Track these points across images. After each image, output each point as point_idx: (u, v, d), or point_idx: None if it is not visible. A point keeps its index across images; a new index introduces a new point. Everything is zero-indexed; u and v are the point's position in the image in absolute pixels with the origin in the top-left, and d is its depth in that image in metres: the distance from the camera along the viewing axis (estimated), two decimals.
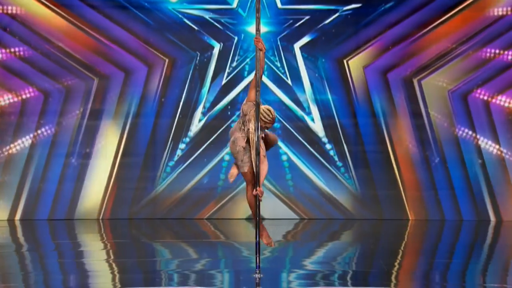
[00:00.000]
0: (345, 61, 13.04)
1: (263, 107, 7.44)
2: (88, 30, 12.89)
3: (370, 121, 13.01)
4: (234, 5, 13.04)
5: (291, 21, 13.07)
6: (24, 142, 12.93)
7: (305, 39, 13.06)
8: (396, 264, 8.82)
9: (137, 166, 13.06)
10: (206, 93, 13.03)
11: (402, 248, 10.37)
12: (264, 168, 7.42)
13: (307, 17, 13.05)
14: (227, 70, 13.09)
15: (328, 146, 13.10)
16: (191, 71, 13.04)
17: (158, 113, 13.03)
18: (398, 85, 12.98)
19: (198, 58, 13.04)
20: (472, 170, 12.92)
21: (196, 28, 12.96)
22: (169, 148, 13.07)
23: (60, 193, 13.01)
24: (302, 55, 13.10)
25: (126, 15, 12.91)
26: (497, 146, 12.90)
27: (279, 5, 13.05)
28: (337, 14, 12.95)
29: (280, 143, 13.02)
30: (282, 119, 13.02)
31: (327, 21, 12.98)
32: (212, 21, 13.01)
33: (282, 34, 13.08)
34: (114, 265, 8.77)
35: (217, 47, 13.05)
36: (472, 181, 12.93)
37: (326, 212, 13.13)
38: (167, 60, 13.02)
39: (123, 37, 12.95)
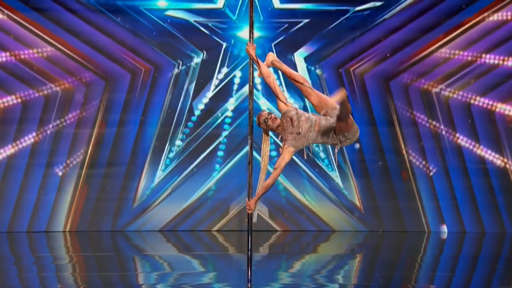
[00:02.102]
0: (344, 68, 12.75)
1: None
2: (69, 36, 12.52)
3: (369, 129, 12.73)
4: (220, 5, 12.65)
5: (286, 25, 12.73)
6: (3, 152, 12.53)
7: (302, 45, 12.74)
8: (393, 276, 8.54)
9: (120, 176, 12.69)
10: (189, 101, 12.71)
11: (400, 260, 10.17)
12: (267, 181, 7.10)
13: (306, 21, 12.70)
14: (215, 77, 12.72)
15: (322, 155, 12.78)
16: (172, 79, 12.68)
17: (141, 121, 12.69)
18: (399, 93, 12.71)
19: (182, 65, 12.70)
20: (475, 180, 12.63)
21: (180, 34, 12.63)
22: (153, 157, 12.73)
23: (39, 205, 12.59)
24: (299, 62, 12.75)
25: (108, 20, 12.54)
26: (501, 157, 12.63)
27: (276, 4, 12.65)
28: (343, 18, 12.61)
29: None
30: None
31: (329, 26, 12.66)
32: (198, 25, 12.65)
33: (277, 40, 12.74)
34: (96, 279, 8.48)
35: (203, 54, 12.69)
36: (476, 191, 12.66)
37: (317, 224, 12.86)
38: (152, 68, 12.69)
39: (105, 43, 12.59)
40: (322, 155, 12.78)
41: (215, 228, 12.84)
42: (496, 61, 12.60)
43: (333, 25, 12.65)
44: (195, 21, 12.67)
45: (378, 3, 12.59)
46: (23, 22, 12.43)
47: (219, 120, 12.80)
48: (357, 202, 12.76)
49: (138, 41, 12.61)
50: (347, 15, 12.64)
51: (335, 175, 12.79)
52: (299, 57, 12.75)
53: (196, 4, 12.64)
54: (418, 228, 12.68)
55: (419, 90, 12.69)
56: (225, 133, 12.76)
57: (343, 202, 12.78)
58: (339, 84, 12.71)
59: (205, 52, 12.76)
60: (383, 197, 12.72)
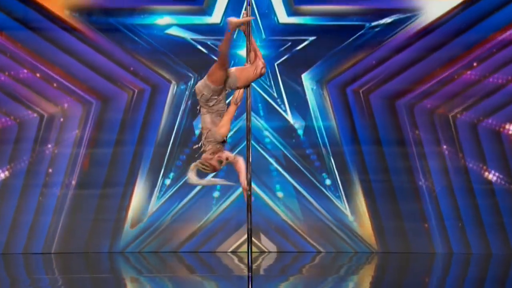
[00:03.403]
0: (350, 88, 12.70)
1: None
2: (67, 55, 12.47)
3: (374, 149, 12.66)
4: (217, 19, 12.58)
5: (289, 43, 12.65)
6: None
7: (307, 65, 12.68)
8: None
9: (117, 197, 12.60)
10: (185, 120, 12.67)
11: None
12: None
13: (311, 38, 12.62)
14: None
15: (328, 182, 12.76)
16: (170, 99, 12.65)
17: (139, 141, 12.64)
18: (404, 112, 12.64)
19: (181, 84, 12.66)
20: (482, 201, 12.53)
21: (178, 53, 12.61)
22: (151, 177, 12.67)
23: (36, 225, 12.49)
24: (303, 82, 12.70)
25: (105, 40, 12.49)
26: (506, 178, 12.54)
27: (282, 19, 12.57)
28: (352, 39, 12.55)
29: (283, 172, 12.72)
30: (281, 147, 12.72)
31: (336, 45, 12.59)
32: (196, 43, 12.60)
33: (281, 59, 12.68)
34: None
35: (201, 73, 12.59)
36: (482, 212, 12.56)
37: (318, 245, 12.80)
38: (149, 88, 12.65)
39: (102, 63, 12.54)
40: (328, 182, 12.73)
41: (218, 249, 12.76)
42: (502, 81, 12.52)
43: (342, 44, 12.58)
44: (192, 39, 12.63)
45: (389, 20, 12.52)
46: (18, 41, 12.38)
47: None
48: (362, 223, 12.69)
49: (135, 61, 12.56)
50: (356, 35, 12.56)
51: (341, 202, 12.73)
52: (303, 76, 12.71)
53: (192, 18, 12.61)
54: (424, 249, 12.58)
55: (425, 110, 12.63)
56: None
57: (347, 223, 12.71)
58: (343, 104, 12.66)
59: (203, 72, 12.71)
60: (388, 217, 12.67)
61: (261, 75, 7.40)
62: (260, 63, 7.40)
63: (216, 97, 7.20)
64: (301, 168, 12.70)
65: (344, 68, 12.63)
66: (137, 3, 12.52)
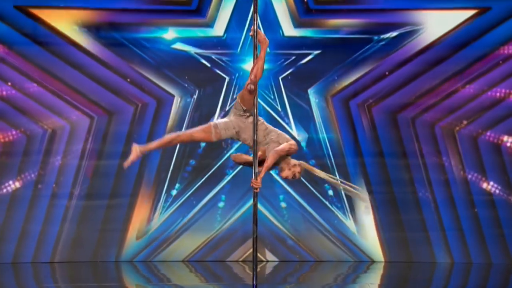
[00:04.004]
0: (354, 102, 12.76)
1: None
2: (75, 70, 12.55)
3: (376, 160, 12.71)
4: (220, 32, 12.67)
5: (294, 57, 12.71)
6: (8, 185, 12.51)
7: (312, 79, 12.75)
8: None
9: (124, 207, 12.67)
10: None
11: None
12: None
13: (316, 52, 12.71)
14: (218, 108, 12.70)
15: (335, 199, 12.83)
16: (175, 111, 12.72)
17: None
18: (406, 125, 12.71)
19: (182, 99, 12.71)
20: (482, 212, 12.59)
21: (183, 67, 12.66)
22: (159, 189, 12.73)
23: (44, 235, 12.53)
24: (306, 96, 12.79)
25: (110, 54, 12.58)
26: (504, 189, 12.60)
27: (287, 31, 12.63)
28: (357, 54, 12.62)
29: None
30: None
31: (342, 58, 12.65)
32: (201, 57, 12.67)
33: (285, 73, 12.75)
34: None
35: (206, 87, 12.73)
36: (482, 222, 12.62)
37: (320, 254, 12.82)
38: (155, 101, 12.72)
39: (109, 77, 12.63)
40: (330, 193, 12.77)
41: (229, 258, 12.79)
42: (501, 94, 12.60)
43: (347, 58, 12.63)
44: (196, 53, 12.69)
45: (395, 33, 12.59)
46: (26, 55, 12.46)
47: (225, 151, 12.81)
48: (364, 233, 12.75)
49: (140, 75, 12.63)
50: (362, 49, 12.63)
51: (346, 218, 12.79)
52: (307, 90, 12.78)
53: (195, 31, 12.67)
54: (425, 259, 12.63)
55: (426, 123, 12.69)
56: (230, 165, 12.79)
57: (349, 234, 12.76)
58: (347, 117, 12.73)
59: (208, 85, 12.78)
60: (390, 227, 12.71)
61: (249, 91, 7.64)
62: (248, 79, 7.68)
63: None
64: (303, 180, 12.72)
65: (348, 82, 12.68)
66: (141, 18, 12.57)
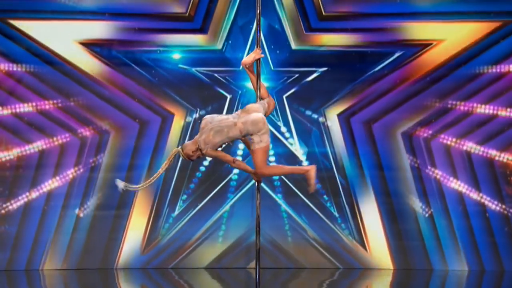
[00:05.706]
0: (353, 118, 12.93)
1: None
2: (81, 88, 12.80)
3: (375, 173, 12.89)
4: (219, 45, 12.72)
5: (297, 75, 12.84)
6: (21, 198, 12.76)
7: (316, 98, 12.84)
8: None
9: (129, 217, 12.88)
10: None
11: None
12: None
13: (322, 69, 12.79)
14: None
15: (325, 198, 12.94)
16: (178, 129, 12.90)
17: (150, 165, 12.83)
18: (402, 140, 12.87)
19: (186, 116, 12.88)
20: (475, 222, 12.77)
21: (187, 85, 12.80)
22: (163, 199, 12.91)
23: (55, 244, 12.74)
24: (307, 112, 12.94)
25: (116, 73, 12.80)
26: (500, 204, 12.79)
27: (294, 44, 12.62)
28: (368, 74, 12.75)
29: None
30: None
31: (350, 76, 12.72)
32: (203, 76, 12.82)
33: (288, 93, 12.87)
34: None
35: (209, 105, 12.88)
36: (476, 232, 12.79)
37: (322, 261, 12.94)
38: (160, 118, 12.89)
39: (115, 95, 12.87)
40: (329, 204, 12.93)
41: (226, 265, 12.87)
42: (493, 111, 12.72)
43: (352, 75, 12.74)
44: (196, 70, 12.77)
45: (398, 54, 12.72)
46: (39, 75, 12.71)
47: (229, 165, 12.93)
48: (365, 242, 12.88)
49: (146, 92, 12.80)
50: (372, 71, 12.74)
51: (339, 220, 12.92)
52: (309, 107, 12.90)
53: (195, 47, 12.73)
54: (422, 266, 12.74)
55: (423, 138, 12.83)
56: (234, 177, 12.96)
57: (348, 243, 12.89)
58: (348, 133, 12.87)
59: (210, 103, 12.89)
60: (390, 236, 12.82)
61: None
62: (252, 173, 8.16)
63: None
64: (303, 191, 12.87)
65: (350, 99, 12.80)
66: (142, 37, 12.71)
